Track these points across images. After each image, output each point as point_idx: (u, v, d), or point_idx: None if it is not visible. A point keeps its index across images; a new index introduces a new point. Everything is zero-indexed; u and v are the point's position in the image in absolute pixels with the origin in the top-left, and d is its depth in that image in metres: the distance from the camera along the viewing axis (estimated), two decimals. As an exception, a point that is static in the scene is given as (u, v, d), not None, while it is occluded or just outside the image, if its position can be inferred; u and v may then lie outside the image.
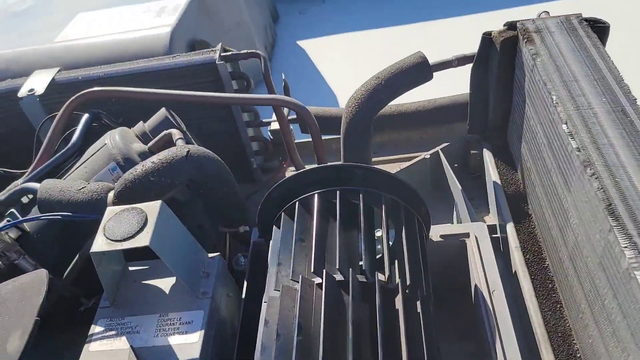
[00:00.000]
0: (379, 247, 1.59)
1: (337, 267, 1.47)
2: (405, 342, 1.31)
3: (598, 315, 1.42)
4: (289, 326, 1.37)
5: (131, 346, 1.51)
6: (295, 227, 1.60)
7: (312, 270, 1.45)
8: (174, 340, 1.52)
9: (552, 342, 1.64)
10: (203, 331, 1.53)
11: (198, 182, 1.89)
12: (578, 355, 1.57)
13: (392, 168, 2.60)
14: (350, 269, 1.43)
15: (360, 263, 1.50)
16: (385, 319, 1.36)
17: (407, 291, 1.44)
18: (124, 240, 1.49)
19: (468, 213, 2.15)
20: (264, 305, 1.50)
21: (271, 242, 1.67)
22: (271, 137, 2.85)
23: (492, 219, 2.24)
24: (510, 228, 1.96)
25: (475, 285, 1.73)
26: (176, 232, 1.61)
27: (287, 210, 1.68)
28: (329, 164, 1.77)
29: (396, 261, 1.51)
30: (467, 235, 1.85)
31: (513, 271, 1.91)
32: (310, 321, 1.36)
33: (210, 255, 1.75)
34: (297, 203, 1.66)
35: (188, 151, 1.85)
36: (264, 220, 1.78)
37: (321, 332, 1.29)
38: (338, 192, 1.65)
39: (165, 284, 1.68)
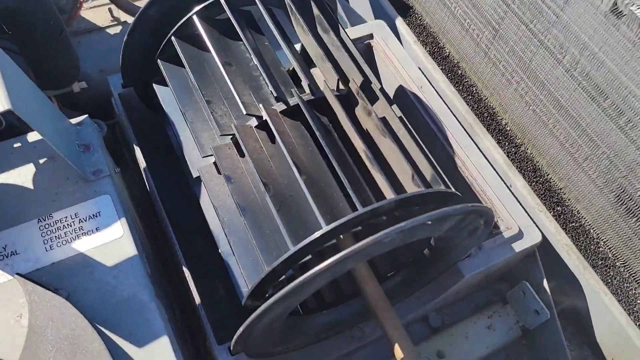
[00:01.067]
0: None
1: (281, 89, 1.11)
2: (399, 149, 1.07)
3: (518, 88, 1.38)
4: (273, 172, 1.00)
5: (17, 274, 0.97)
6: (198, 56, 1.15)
7: (274, 95, 1.06)
8: (84, 244, 1.02)
9: (481, 119, 1.59)
10: (124, 218, 1.05)
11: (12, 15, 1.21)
12: (507, 127, 1.55)
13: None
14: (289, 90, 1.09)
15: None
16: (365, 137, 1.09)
17: (364, 95, 1.15)
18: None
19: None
20: (209, 162, 1.08)
21: (169, 80, 1.19)
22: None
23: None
24: (401, 23, 1.76)
25: (400, 86, 1.54)
26: (32, 90, 1.01)
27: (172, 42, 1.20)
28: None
29: (330, 64, 1.19)
30: (371, 36, 1.61)
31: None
32: (302, 161, 1.01)
33: (73, 120, 1.18)
34: (194, 19, 1.18)
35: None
36: (130, 65, 1.26)
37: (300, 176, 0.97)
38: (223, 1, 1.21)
39: (22, 176, 1.09)
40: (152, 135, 1.31)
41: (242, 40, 1.19)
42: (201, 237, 1.16)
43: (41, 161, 1.12)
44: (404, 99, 1.53)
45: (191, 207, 1.19)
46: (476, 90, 1.63)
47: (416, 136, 1.15)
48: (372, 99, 1.17)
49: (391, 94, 1.57)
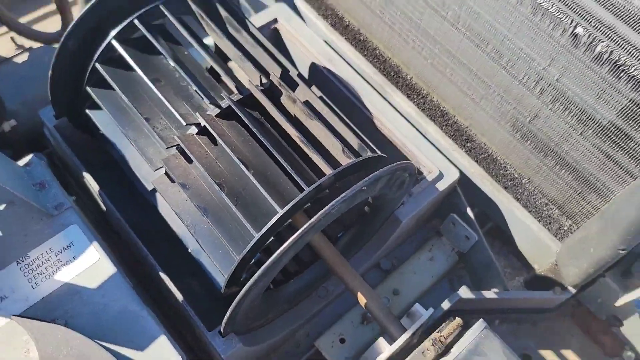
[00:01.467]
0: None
1: (211, 95, 1.22)
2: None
3: (415, 46, 1.56)
4: (222, 171, 1.13)
5: (13, 316, 1.06)
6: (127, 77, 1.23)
7: (207, 101, 1.17)
8: (67, 275, 1.12)
9: (390, 78, 1.76)
10: (96, 242, 1.16)
11: None
12: (413, 82, 1.74)
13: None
14: (214, 93, 1.20)
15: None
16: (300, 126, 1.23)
17: (285, 85, 1.29)
18: None
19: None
20: (161, 173, 1.19)
21: (103, 105, 1.26)
22: None
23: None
24: (300, 3, 1.88)
25: (312, 63, 1.68)
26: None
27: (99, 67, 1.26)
28: None
29: (250, 62, 1.31)
30: (275, 20, 1.72)
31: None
32: (247, 156, 1.14)
33: (20, 162, 1.24)
34: (114, 44, 1.25)
35: None
36: (60, 98, 1.32)
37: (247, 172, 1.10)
38: (136, 20, 1.29)
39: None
40: (96, 159, 1.38)
41: (163, 55, 1.28)
42: (167, 242, 1.28)
43: (1, 208, 1.18)
44: (318, 74, 1.67)
45: (152, 218, 1.30)
46: (379, 52, 1.80)
47: (338, 111, 1.30)
48: (293, 86, 1.31)
49: (305, 73, 1.71)
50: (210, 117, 1.19)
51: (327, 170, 1.12)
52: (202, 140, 1.20)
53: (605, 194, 1.38)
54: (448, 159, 1.56)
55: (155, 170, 1.21)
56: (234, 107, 1.18)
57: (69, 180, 1.54)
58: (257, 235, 1.04)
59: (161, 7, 1.31)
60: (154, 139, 1.23)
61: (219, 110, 1.21)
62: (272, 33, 1.73)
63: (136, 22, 1.28)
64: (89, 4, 1.24)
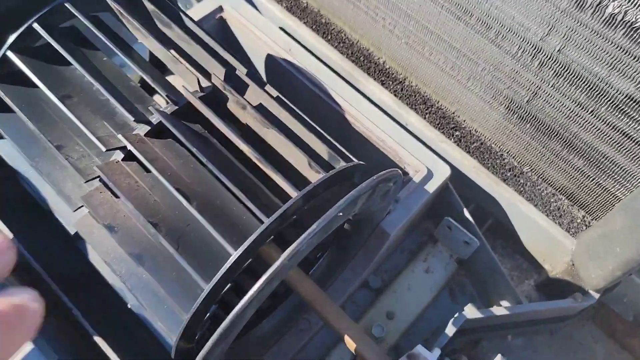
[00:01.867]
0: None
1: (137, 110, 0.98)
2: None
3: (385, 24, 1.32)
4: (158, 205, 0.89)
5: None
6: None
7: (132, 118, 0.92)
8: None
9: (359, 64, 1.53)
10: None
11: None
12: (387, 66, 1.50)
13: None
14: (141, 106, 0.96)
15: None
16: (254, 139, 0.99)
17: (230, 88, 1.04)
18: None
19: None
20: (84, 212, 0.94)
21: (4, 133, 1.01)
22: None
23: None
24: (248, -16, 1.63)
25: (268, 55, 1.43)
26: None
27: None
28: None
29: (183, 63, 1.06)
30: (221, 9, 1.47)
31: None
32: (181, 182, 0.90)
33: None
34: (9, 55, 0.99)
35: None
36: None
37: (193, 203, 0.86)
38: (35, 23, 1.04)
39: None
40: (6, 195, 1.13)
41: (72, 63, 1.03)
42: (99, 296, 1.04)
43: None
44: (276, 68, 1.42)
45: (79, 265, 1.06)
46: (345, 35, 1.56)
47: (301, 114, 1.07)
48: (242, 87, 1.07)
49: (261, 68, 1.46)
50: (137, 137, 0.94)
51: (292, 192, 0.89)
52: (131, 167, 0.95)
53: (626, 178, 1.16)
54: (436, 152, 1.33)
55: (75, 210, 0.96)
56: (166, 122, 0.93)
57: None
58: (206, 288, 0.80)
59: (67, 4, 1.05)
60: (69, 171, 0.98)
61: (149, 128, 0.97)
62: (218, 24, 1.47)
63: (36, 25, 1.02)
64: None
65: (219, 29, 1.48)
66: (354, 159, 1.02)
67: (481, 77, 1.27)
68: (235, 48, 1.50)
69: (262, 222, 0.86)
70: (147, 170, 0.95)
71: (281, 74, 1.42)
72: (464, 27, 1.22)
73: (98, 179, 0.96)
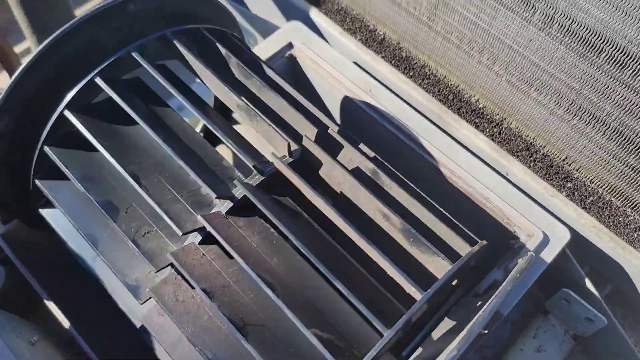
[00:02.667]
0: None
1: (220, 183, 0.81)
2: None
3: (482, 59, 1.14)
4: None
5: None
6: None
7: (214, 195, 0.76)
8: None
9: (448, 104, 1.35)
10: None
11: None
12: (480, 105, 1.31)
13: None
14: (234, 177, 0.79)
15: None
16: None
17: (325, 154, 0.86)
18: None
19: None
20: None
21: (62, 208, 0.86)
22: None
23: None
24: (317, 15, 1.46)
25: (346, 97, 1.26)
26: None
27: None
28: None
29: (268, 123, 0.89)
30: (290, 45, 1.31)
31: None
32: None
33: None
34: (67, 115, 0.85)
35: None
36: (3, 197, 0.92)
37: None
38: (99, 79, 0.89)
39: None
40: (65, 277, 0.98)
41: (140, 124, 0.87)
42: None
43: None
44: (354, 112, 1.25)
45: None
46: (430, 70, 1.37)
47: (405, 180, 0.89)
48: (336, 148, 0.89)
49: (336, 111, 1.29)
50: (218, 217, 0.78)
51: (416, 293, 0.70)
52: (210, 253, 0.78)
53: None
54: (546, 209, 1.13)
55: (143, 303, 0.80)
56: (253, 199, 0.76)
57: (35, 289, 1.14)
58: None
59: (134, 54, 0.90)
60: (137, 255, 0.82)
61: (232, 204, 0.80)
62: (288, 62, 1.31)
63: (98, 80, 0.88)
64: (24, 65, 0.83)
65: (288, 67, 1.32)
66: (476, 239, 0.84)
67: (606, 122, 1.07)
68: (307, 89, 1.33)
69: (378, 332, 0.68)
70: (230, 256, 0.79)
71: (360, 118, 1.25)
72: (588, 66, 1.02)
73: (170, 266, 0.79)
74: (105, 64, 0.90)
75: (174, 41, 0.91)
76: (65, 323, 0.91)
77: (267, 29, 1.48)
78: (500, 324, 1.25)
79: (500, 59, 1.18)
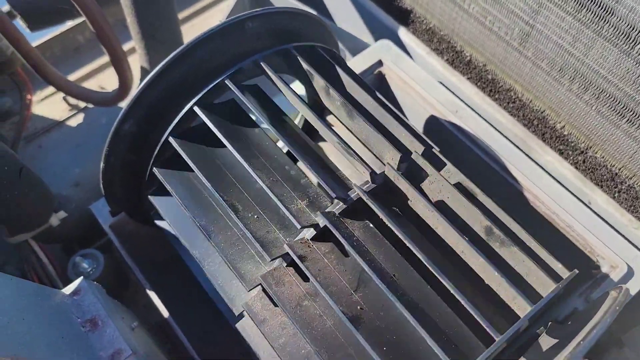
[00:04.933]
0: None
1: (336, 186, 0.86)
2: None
3: (572, 87, 1.14)
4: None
5: None
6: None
7: (332, 195, 0.82)
8: None
9: (532, 129, 1.35)
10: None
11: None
12: (565, 132, 1.31)
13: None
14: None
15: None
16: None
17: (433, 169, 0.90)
18: None
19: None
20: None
21: (177, 196, 0.92)
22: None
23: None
24: (405, 34, 1.50)
25: (432, 117, 1.29)
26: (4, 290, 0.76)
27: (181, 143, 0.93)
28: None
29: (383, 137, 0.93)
30: (380, 63, 1.35)
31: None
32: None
33: (67, 289, 0.93)
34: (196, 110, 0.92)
35: None
36: (115, 192, 1.00)
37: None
38: (228, 80, 0.95)
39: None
40: (166, 270, 1.06)
41: (262, 126, 0.94)
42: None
43: None
44: (439, 132, 1.28)
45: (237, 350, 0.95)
46: (516, 94, 1.38)
47: (497, 203, 0.91)
48: (438, 165, 0.93)
49: (421, 129, 1.32)
50: (332, 215, 0.83)
51: (525, 306, 0.73)
52: (322, 249, 0.83)
53: None
54: (630, 242, 1.12)
55: (250, 290, 0.85)
56: (368, 201, 0.81)
57: (129, 275, 1.23)
58: None
59: (261, 62, 0.96)
60: (249, 246, 0.88)
61: (345, 207, 0.85)
62: (376, 79, 1.35)
63: (228, 82, 0.94)
64: (154, 72, 0.91)
65: (375, 84, 1.36)
66: (565, 270, 0.85)
67: (701, 159, 1.06)
68: (394, 106, 1.37)
69: (486, 339, 0.71)
70: (346, 255, 0.83)
71: (445, 138, 1.27)
72: (688, 101, 1.01)
73: (282, 257, 0.84)
74: (235, 68, 0.97)
75: (297, 56, 0.97)
76: (165, 312, 0.98)
77: (355, 46, 1.53)
78: (573, 353, 1.24)
79: (592, 88, 1.18)
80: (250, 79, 1.01)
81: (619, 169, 1.25)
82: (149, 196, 1.04)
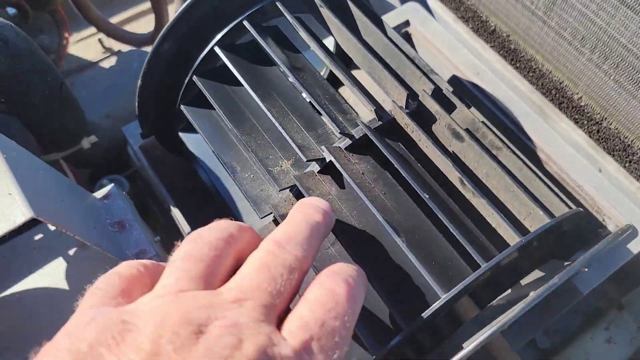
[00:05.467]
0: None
1: (341, 122, 0.91)
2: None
3: (592, 57, 1.17)
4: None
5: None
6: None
7: (337, 130, 0.86)
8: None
9: (550, 98, 1.38)
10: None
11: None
12: (582, 102, 1.35)
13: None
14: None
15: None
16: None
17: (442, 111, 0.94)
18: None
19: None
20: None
21: (202, 131, 0.98)
22: None
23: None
24: (433, 1, 1.54)
25: (454, 77, 1.34)
26: (50, 178, 0.81)
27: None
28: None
29: (391, 74, 0.97)
30: (407, 23, 1.40)
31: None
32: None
33: (98, 194, 0.98)
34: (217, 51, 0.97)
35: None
36: (149, 113, 1.05)
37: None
38: (245, 21, 1.01)
39: (52, 275, 0.90)
40: (189, 194, 1.11)
41: (276, 65, 0.99)
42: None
43: (71, 252, 0.93)
44: (460, 91, 1.32)
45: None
46: (536, 64, 1.42)
47: (510, 145, 0.95)
48: (449, 106, 0.97)
49: (444, 88, 1.37)
50: (337, 151, 0.87)
51: (514, 237, 0.77)
52: (326, 181, 0.88)
53: None
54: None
55: (263, 217, 0.91)
56: (373, 138, 0.86)
57: (149, 203, 1.29)
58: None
59: (277, 3, 1.02)
60: (263, 178, 0.93)
61: (350, 142, 0.90)
62: (402, 38, 1.40)
63: (246, 23, 1.00)
64: (188, 2, 0.96)
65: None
66: (571, 205, 0.89)
67: None
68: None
69: (477, 267, 0.75)
70: (343, 187, 0.88)
71: (468, 97, 1.32)
72: None
73: (291, 189, 0.90)
74: (253, 9, 1.03)
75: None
76: (187, 228, 1.04)
77: (382, 6, 1.58)
78: (572, 314, 1.28)
79: (612, 57, 1.21)
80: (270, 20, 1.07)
81: (632, 140, 1.28)
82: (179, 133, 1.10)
